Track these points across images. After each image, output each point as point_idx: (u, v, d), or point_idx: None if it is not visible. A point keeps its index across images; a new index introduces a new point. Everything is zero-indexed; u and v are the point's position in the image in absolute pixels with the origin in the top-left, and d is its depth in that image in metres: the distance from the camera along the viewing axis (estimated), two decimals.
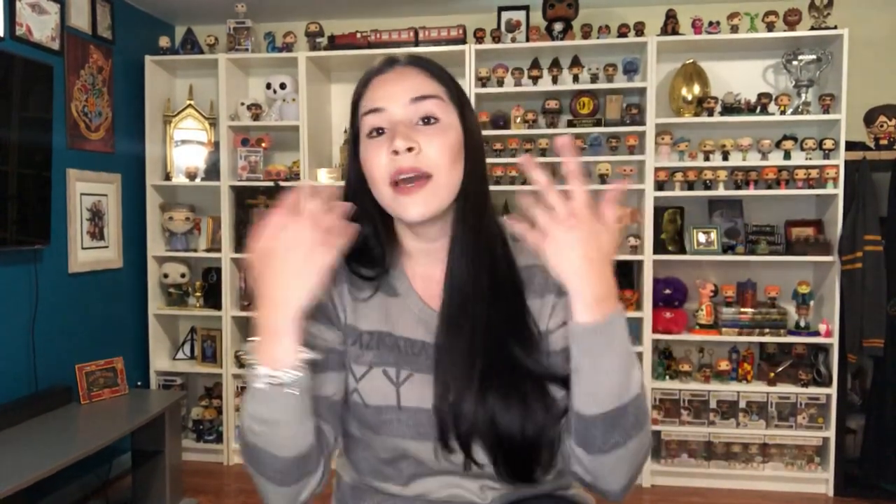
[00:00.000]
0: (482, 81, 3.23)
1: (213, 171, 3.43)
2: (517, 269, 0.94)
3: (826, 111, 3.07)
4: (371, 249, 0.95)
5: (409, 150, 0.85)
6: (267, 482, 0.86)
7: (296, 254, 0.79)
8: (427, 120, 0.88)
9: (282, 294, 0.80)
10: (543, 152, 3.21)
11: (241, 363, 3.41)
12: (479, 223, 0.92)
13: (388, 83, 0.90)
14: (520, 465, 0.88)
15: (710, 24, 3.12)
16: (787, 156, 3.13)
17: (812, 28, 3.07)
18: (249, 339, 0.83)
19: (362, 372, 0.92)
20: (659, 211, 3.22)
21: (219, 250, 3.41)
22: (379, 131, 0.88)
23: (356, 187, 0.94)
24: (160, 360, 3.52)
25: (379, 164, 0.87)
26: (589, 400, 0.81)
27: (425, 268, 0.96)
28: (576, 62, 3.23)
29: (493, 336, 0.88)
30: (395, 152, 0.85)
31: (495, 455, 0.87)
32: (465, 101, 0.93)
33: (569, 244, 0.79)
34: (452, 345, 0.89)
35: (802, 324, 3.12)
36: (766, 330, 3.12)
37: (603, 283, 0.80)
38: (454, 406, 0.86)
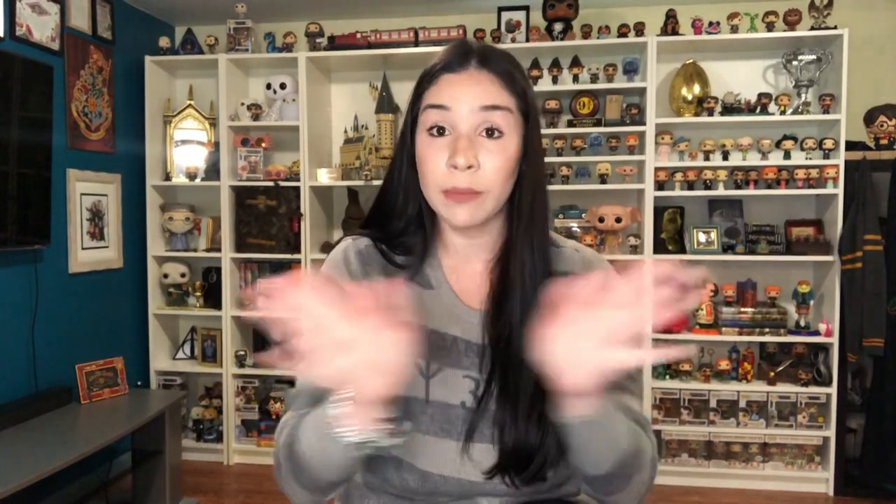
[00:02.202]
0: None
1: (213, 171, 3.43)
2: (552, 273, 0.93)
3: (826, 111, 3.07)
4: (411, 235, 0.94)
5: (469, 167, 0.84)
6: (300, 487, 0.85)
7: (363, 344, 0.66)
8: (491, 132, 0.86)
9: (356, 387, 0.70)
10: (543, 152, 3.20)
11: (241, 363, 3.41)
12: (533, 226, 0.91)
13: (459, 85, 0.87)
14: (529, 468, 0.87)
15: (710, 24, 3.12)
16: (787, 156, 3.13)
17: (812, 28, 3.07)
18: (337, 395, 0.73)
19: None
20: (659, 211, 3.23)
21: (219, 250, 3.41)
22: (440, 130, 0.86)
23: (405, 170, 0.92)
24: (160, 359, 3.52)
25: (434, 168, 0.86)
26: (585, 466, 0.82)
27: (462, 262, 0.96)
28: (576, 62, 3.23)
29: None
30: (454, 167, 0.84)
31: (509, 459, 0.87)
32: (532, 111, 0.90)
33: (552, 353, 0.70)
34: (502, 348, 0.88)
35: (802, 323, 3.12)
36: (766, 329, 3.12)
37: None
38: (497, 409, 0.87)
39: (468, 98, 0.85)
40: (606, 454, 0.80)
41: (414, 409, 0.89)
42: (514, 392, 0.86)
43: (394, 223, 0.95)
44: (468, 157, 0.83)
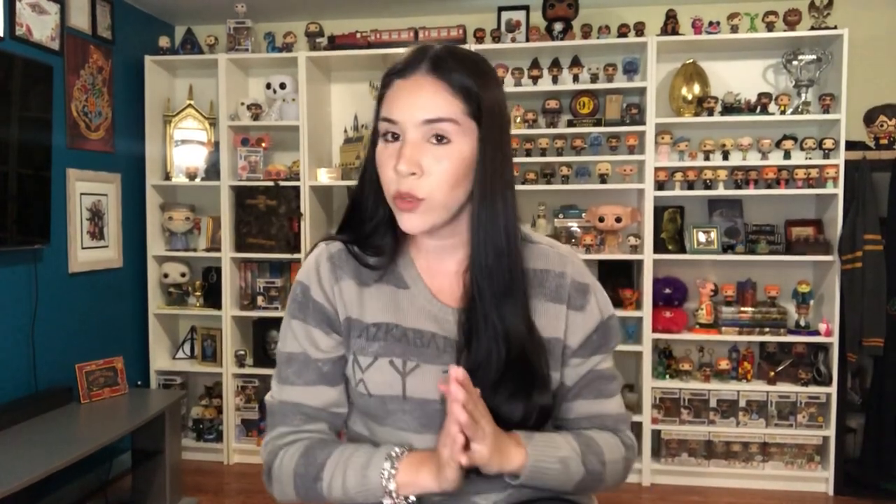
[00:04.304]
0: None
1: (212, 170, 3.43)
2: (527, 270, 0.97)
3: (826, 111, 3.07)
4: (381, 236, 0.97)
5: (412, 173, 0.86)
6: (301, 499, 0.95)
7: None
8: (440, 138, 0.87)
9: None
10: (543, 152, 3.21)
11: (241, 363, 3.41)
12: (496, 228, 0.92)
13: (405, 94, 0.88)
14: None
15: (710, 24, 3.12)
16: (787, 155, 3.13)
17: (812, 28, 3.07)
18: (396, 452, 0.89)
19: (368, 362, 0.94)
20: (659, 210, 3.23)
21: (219, 250, 3.41)
22: (394, 136, 0.89)
23: (372, 173, 0.95)
24: (160, 359, 3.52)
25: (386, 173, 0.89)
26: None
27: (434, 260, 0.98)
28: (576, 62, 3.23)
29: (511, 335, 0.92)
30: (399, 172, 0.87)
31: None
32: (487, 116, 0.89)
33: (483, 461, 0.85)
34: (474, 342, 0.92)
35: (802, 323, 3.12)
36: (766, 329, 3.12)
37: (508, 455, 0.87)
38: None
39: (411, 111, 0.87)
40: (558, 487, 0.92)
41: (391, 405, 0.92)
42: (488, 385, 0.90)
43: (366, 225, 0.98)
44: (410, 164, 0.86)
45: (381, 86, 0.93)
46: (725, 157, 3.16)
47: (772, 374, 3.12)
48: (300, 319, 0.97)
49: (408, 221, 0.89)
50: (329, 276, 0.96)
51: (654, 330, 3.16)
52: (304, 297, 0.97)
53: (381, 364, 0.93)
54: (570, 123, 3.26)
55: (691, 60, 3.23)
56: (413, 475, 0.86)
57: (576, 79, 3.24)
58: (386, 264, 0.97)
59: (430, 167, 0.86)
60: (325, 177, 3.36)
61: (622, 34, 3.19)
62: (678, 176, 3.17)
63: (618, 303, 3.18)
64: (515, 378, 0.90)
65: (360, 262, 0.97)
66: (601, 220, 3.16)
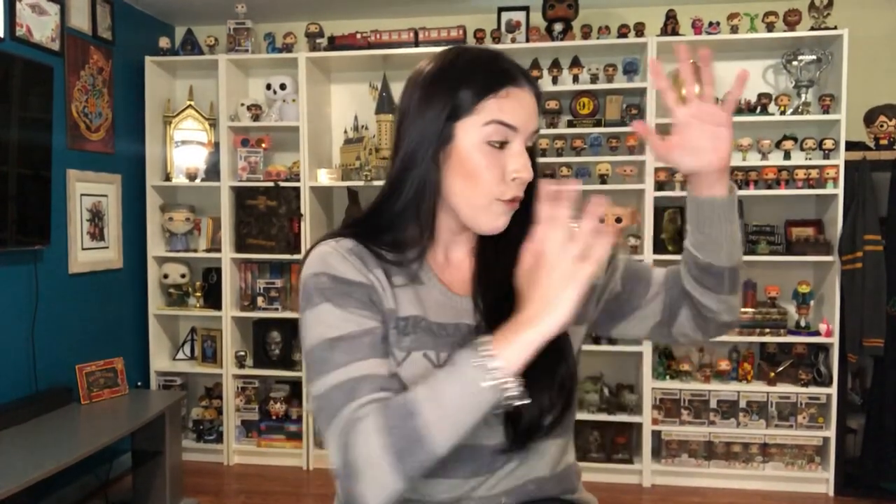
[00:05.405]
0: None
1: (213, 171, 3.44)
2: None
3: (826, 111, 3.07)
4: (404, 234, 0.95)
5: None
6: (398, 477, 0.78)
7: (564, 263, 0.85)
8: (527, 149, 0.93)
9: (552, 303, 0.80)
10: (543, 153, 3.21)
11: (241, 363, 3.41)
12: (528, 216, 0.94)
13: (525, 106, 0.92)
14: (526, 417, 0.89)
15: (710, 24, 3.12)
16: (787, 156, 3.14)
17: (812, 28, 3.07)
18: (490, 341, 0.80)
19: (402, 356, 0.92)
20: (659, 211, 3.23)
21: (219, 251, 3.41)
22: (502, 144, 0.91)
23: (425, 165, 0.91)
24: (160, 360, 3.52)
25: (492, 176, 0.90)
26: (722, 256, 0.99)
27: (443, 253, 1.00)
28: (576, 62, 3.23)
29: None
30: (516, 179, 0.91)
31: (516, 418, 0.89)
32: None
33: (722, 134, 0.94)
34: (493, 321, 0.90)
35: (803, 323, 3.12)
36: (767, 330, 3.12)
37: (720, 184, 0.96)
38: None
39: (529, 120, 0.92)
40: (737, 243, 1.00)
41: None
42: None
43: (389, 225, 0.95)
44: (530, 172, 0.92)
45: (480, 77, 0.90)
46: None
47: (772, 374, 3.12)
48: (335, 304, 0.89)
49: (503, 221, 0.93)
50: (360, 263, 0.92)
51: None
52: (334, 282, 0.90)
53: (416, 357, 0.92)
54: (570, 124, 3.26)
55: (691, 61, 3.23)
56: (510, 339, 0.79)
57: (576, 79, 3.25)
58: (414, 260, 0.96)
59: None
60: (325, 177, 3.36)
61: (622, 35, 3.20)
62: (678, 176, 3.17)
63: None
64: (541, 353, 0.85)
65: (382, 259, 0.95)
66: (601, 220, 3.15)
